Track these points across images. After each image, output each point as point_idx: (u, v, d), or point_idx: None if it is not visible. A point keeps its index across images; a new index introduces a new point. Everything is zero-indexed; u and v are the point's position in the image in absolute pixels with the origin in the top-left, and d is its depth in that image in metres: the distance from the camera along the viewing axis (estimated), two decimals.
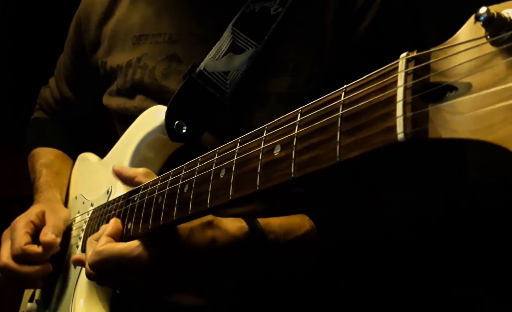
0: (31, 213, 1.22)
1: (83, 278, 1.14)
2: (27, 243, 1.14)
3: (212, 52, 1.06)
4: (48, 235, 1.16)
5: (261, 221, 0.95)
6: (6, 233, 1.21)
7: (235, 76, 1.03)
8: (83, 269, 1.15)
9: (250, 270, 0.99)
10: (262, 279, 1.03)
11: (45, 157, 1.44)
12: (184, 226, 0.88)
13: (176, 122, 1.04)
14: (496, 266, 1.46)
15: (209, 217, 0.91)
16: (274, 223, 0.96)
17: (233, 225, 0.93)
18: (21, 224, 1.18)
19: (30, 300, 1.34)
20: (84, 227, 1.20)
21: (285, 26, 1.02)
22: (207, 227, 0.90)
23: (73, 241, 1.24)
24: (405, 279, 1.16)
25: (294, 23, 1.02)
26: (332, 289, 1.09)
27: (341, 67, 0.99)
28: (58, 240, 1.17)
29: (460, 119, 0.45)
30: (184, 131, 1.05)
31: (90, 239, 0.99)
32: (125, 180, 1.03)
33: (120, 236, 0.96)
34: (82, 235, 1.20)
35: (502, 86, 0.42)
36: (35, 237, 1.17)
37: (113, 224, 0.96)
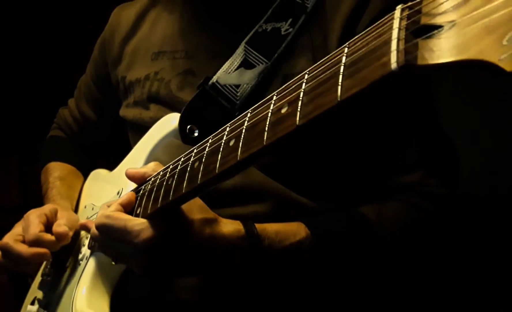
0: (45, 208, 1.29)
1: (87, 272, 1.19)
2: (41, 231, 1.21)
3: (225, 66, 1.15)
4: (61, 226, 1.23)
5: (258, 226, 1.01)
6: (19, 224, 1.28)
7: (245, 89, 1.12)
8: (89, 263, 1.20)
9: (244, 271, 1.03)
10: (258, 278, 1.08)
11: (59, 171, 1.52)
12: (187, 215, 0.94)
13: (189, 126, 1.13)
14: (494, 275, 1.48)
15: (211, 215, 0.98)
16: (270, 229, 1.02)
17: (231, 226, 0.99)
18: (35, 215, 1.25)
19: (32, 303, 1.37)
20: None
21: (293, 44, 1.12)
22: (206, 224, 0.96)
23: (79, 242, 1.29)
24: (403, 287, 1.19)
25: (302, 41, 1.12)
26: (329, 294, 1.13)
27: None
28: (71, 233, 1.24)
29: (444, 47, 0.53)
30: (196, 135, 1.12)
31: (103, 204, 1.05)
32: (138, 180, 1.09)
33: (131, 209, 1.02)
34: (89, 235, 1.25)
35: (476, 11, 0.50)
36: (46, 230, 1.24)
37: (128, 195, 1.03)
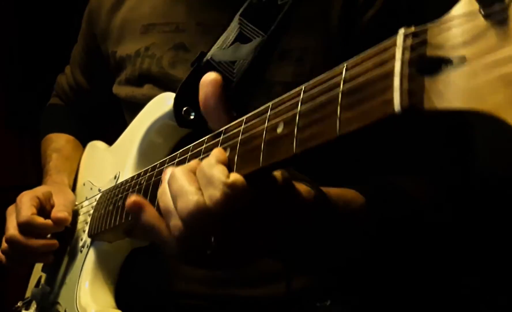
0: (37, 190, 1.26)
1: (88, 262, 1.17)
2: (33, 214, 1.18)
3: (219, 41, 1.07)
4: (60, 212, 1.20)
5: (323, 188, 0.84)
6: (11, 208, 1.25)
7: (242, 66, 1.05)
8: (89, 252, 1.18)
9: (311, 237, 0.83)
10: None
11: (56, 142, 1.48)
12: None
13: (184, 108, 1.06)
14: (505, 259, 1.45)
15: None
16: (333, 191, 0.86)
17: (300, 186, 0.78)
18: (27, 197, 1.22)
19: (36, 286, 1.36)
20: (91, 211, 1.22)
21: (291, 16, 1.04)
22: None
23: (79, 226, 1.26)
24: (410, 273, 1.16)
25: (300, 12, 1.04)
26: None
27: (346, 56, 1.00)
28: (70, 218, 1.22)
29: (453, 90, 0.47)
30: (192, 117, 1.06)
31: (184, 170, 0.71)
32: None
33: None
34: (89, 220, 1.22)
35: (493, 57, 0.44)
36: (39, 212, 1.21)
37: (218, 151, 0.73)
